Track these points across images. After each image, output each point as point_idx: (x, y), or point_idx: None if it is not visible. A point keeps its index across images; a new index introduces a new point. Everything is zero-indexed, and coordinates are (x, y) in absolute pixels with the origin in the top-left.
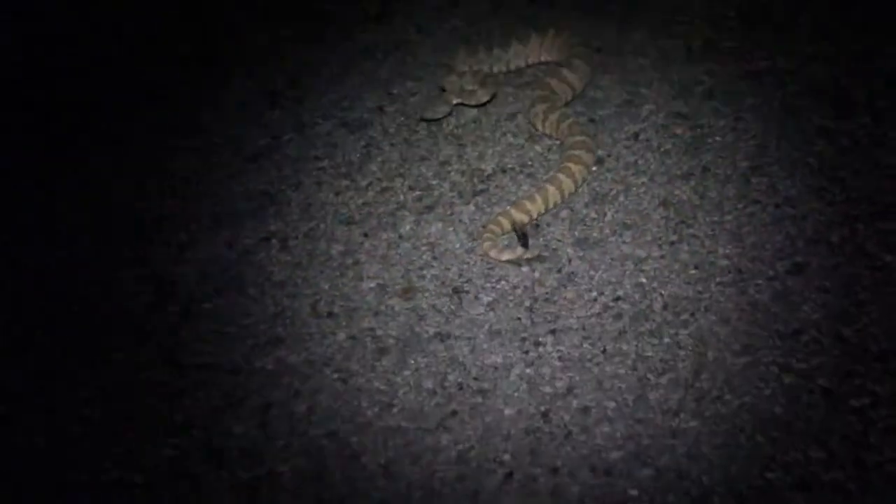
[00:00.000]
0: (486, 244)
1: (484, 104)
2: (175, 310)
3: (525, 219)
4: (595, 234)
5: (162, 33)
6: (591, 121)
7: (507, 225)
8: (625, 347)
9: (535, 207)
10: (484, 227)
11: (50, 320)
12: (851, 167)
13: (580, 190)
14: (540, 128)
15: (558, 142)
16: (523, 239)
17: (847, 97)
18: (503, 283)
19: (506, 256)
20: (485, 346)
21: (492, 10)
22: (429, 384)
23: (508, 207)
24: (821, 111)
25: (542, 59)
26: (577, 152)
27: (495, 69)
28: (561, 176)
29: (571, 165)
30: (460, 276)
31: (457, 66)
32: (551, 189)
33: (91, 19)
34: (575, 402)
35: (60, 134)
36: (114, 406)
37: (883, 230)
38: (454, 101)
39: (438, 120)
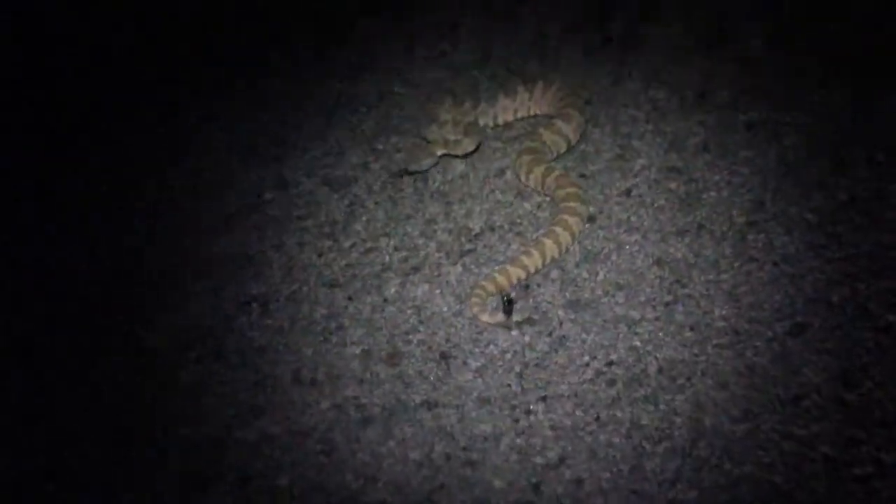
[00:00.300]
0: (475, 308)
1: (469, 154)
2: (152, 377)
3: (521, 275)
4: (587, 296)
5: (128, 85)
6: (582, 176)
7: (500, 284)
8: (619, 415)
9: (533, 262)
10: (473, 287)
11: (16, 386)
12: (851, 223)
13: (571, 248)
14: (523, 180)
15: (548, 198)
16: (508, 306)
17: (845, 151)
18: (492, 347)
19: (494, 319)
20: (473, 414)
21: (479, 60)
22: (415, 455)
23: (506, 266)
24: (818, 165)
25: (532, 112)
26: (571, 204)
27: (482, 122)
28: (558, 229)
29: (568, 217)
30: (448, 340)
31: (440, 116)
32: (548, 243)
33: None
34: (568, 474)
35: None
36: (82, 480)
37: (885, 289)
38: (439, 153)
39: (423, 172)
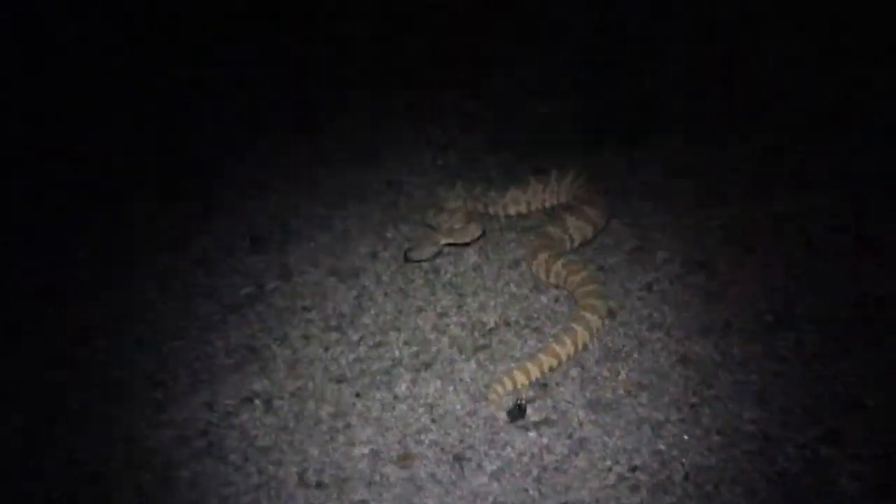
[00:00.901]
0: (493, 405)
1: (473, 242)
2: (149, 477)
3: (541, 371)
4: (608, 395)
5: (130, 161)
6: (601, 268)
7: (518, 380)
8: None
9: (555, 357)
10: (490, 382)
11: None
12: (887, 321)
13: (591, 346)
14: (543, 277)
15: (565, 292)
16: (518, 412)
17: (874, 239)
18: (508, 449)
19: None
20: None
21: (489, 148)
22: None
23: (525, 362)
24: (848, 254)
25: (548, 203)
26: (591, 301)
27: (492, 211)
28: (577, 326)
29: (587, 315)
30: (462, 441)
31: (447, 203)
32: (568, 340)
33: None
34: None
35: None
36: None
37: None
38: (443, 241)
39: (425, 261)
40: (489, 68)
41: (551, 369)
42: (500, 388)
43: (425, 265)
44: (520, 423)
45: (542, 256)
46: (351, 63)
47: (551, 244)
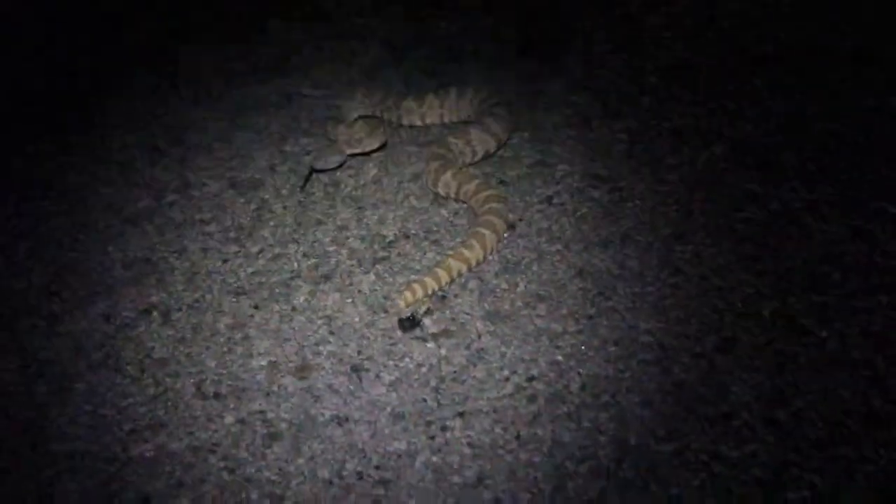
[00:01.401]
0: (401, 308)
1: (372, 152)
2: (44, 389)
3: (446, 279)
4: (506, 307)
5: (24, 76)
6: (502, 182)
7: (431, 286)
8: (540, 432)
9: (475, 255)
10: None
11: None
12: (782, 235)
13: (489, 258)
14: (433, 188)
15: (465, 205)
16: (408, 323)
17: (776, 160)
18: (406, 360)
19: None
20: (387, 430)
21: (393, 62)
22: (325, 473)
23: (436, 268)
24: (748, 174)
25: (447, 119)
26: (494, 205)
27: (405, 122)
28: (485, 231)
29: (494, 219)
30: (360, 352)
31: (348, 114)
32: (476, 245)
33: None
34: (486, 494)
35: None
36: None
37: (816, 303)
38: (347, 151)
39: (330, 171)
40: None
41: (460, 274)
42: (409, 296)
43: (324, 178)
44: (414, 334)
45: (433, 165)
46: None
47: (449, 155)
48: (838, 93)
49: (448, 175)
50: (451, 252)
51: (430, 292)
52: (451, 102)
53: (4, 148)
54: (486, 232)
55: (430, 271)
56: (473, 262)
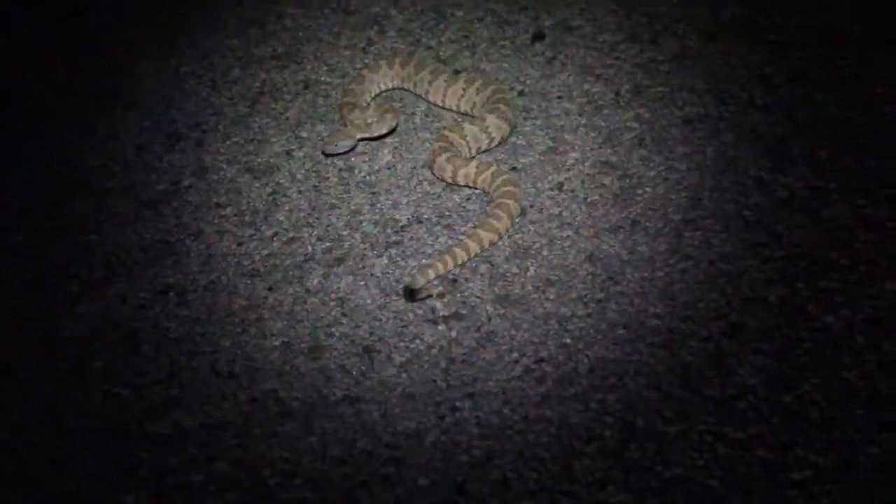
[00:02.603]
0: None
1: (382, 137)
2: (63, 367)
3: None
4: (517, 291)
5: (43, 60)
6: (514, 169)
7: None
8: (548, 413)
9: (503, 225)
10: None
11: None
12: (790, 222)
13: (500, 243)
14: (444, 176)
15: (477, 191)
16: (410, 294)
17: (785, 147)
18: (417, 342)
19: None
20: (397, 410)
21: (407, 50)
22: (336, 452)
23: (453, 247)
24: (757, 162)
25: (460, 108)
26: (510, 189)
27: (431, 98)
28: (501, 213)
29: (510, 202)
30: (372, 334)
31: (366, 90)
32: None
33: None
34: (494, 473)
35: None
36: None
37: (823, 289)
38: (358, 136)
39: (342, 155)
40: None
41: (491, 244)
42: (430, 272)
43: (339, 163)
44: (414, 304)
45: (442, 157)
46: None
47: (461, 144)
48: (848, 80)
49: (462, 165)
50: (468, 231)
51: (459, 263)
52: (458, 87)
53: (25, 130)
54: (511, 202)
55: (460, 243)
56: (503, 231)
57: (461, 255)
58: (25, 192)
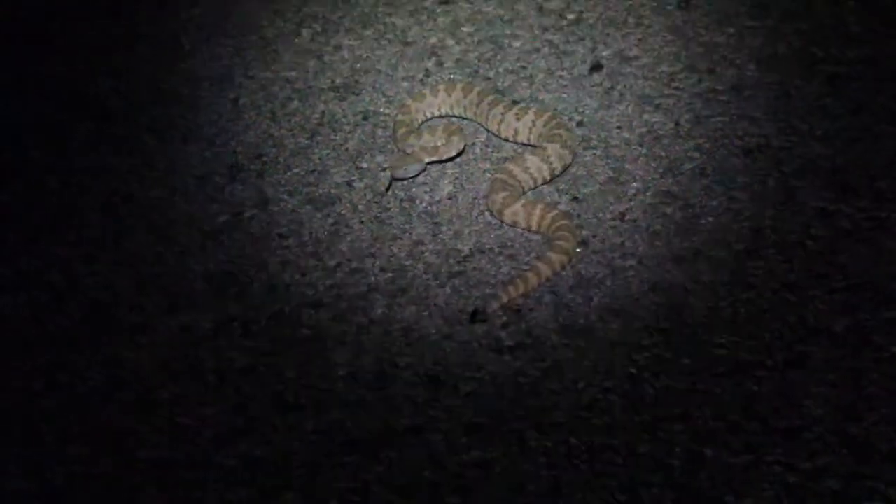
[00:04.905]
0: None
1: (450, 159)
2: (129, 398)
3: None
4: (581, 321)
5: (98, 93)
6: (575, 199)
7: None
8: (615, 443)
9: (571, 246)
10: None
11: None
12: (852, 252)
13: (564, 273)
14: (502, 217)
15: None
16: (473, 317)
17: (846, 178)
18: (483, 372)
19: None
20: (463, 440)
21: (469, 80)
22: (402, 482)
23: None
24: (818, 192)
25: (518, 138)
26: (565, 231)
27: (487, 126)
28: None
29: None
30: (436, 364)
31: (416, 116)
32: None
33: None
34: (560, 502)
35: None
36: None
37: (888, 319)
38: (426, 159)
39: (410, 179)
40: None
41: (548, 279)
42: (504, 296)
43: (400, 193)
44: (478, 326)
45: (499, 196)
46: None
47: (507, 184)
48: None
49: (518, 205)
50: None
51: (531, 288)
52: (528, 121)
53: (80, 164)
54: (570, 235)
55: (532, 267)
56: (573, 253)
57: (532, 281)
58: (85, 224)
